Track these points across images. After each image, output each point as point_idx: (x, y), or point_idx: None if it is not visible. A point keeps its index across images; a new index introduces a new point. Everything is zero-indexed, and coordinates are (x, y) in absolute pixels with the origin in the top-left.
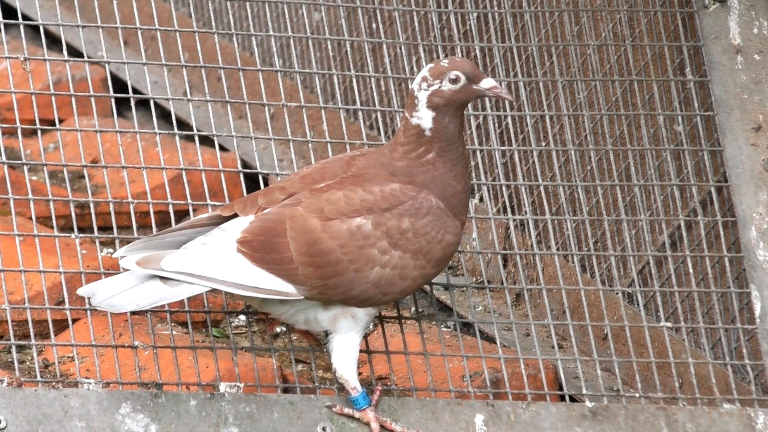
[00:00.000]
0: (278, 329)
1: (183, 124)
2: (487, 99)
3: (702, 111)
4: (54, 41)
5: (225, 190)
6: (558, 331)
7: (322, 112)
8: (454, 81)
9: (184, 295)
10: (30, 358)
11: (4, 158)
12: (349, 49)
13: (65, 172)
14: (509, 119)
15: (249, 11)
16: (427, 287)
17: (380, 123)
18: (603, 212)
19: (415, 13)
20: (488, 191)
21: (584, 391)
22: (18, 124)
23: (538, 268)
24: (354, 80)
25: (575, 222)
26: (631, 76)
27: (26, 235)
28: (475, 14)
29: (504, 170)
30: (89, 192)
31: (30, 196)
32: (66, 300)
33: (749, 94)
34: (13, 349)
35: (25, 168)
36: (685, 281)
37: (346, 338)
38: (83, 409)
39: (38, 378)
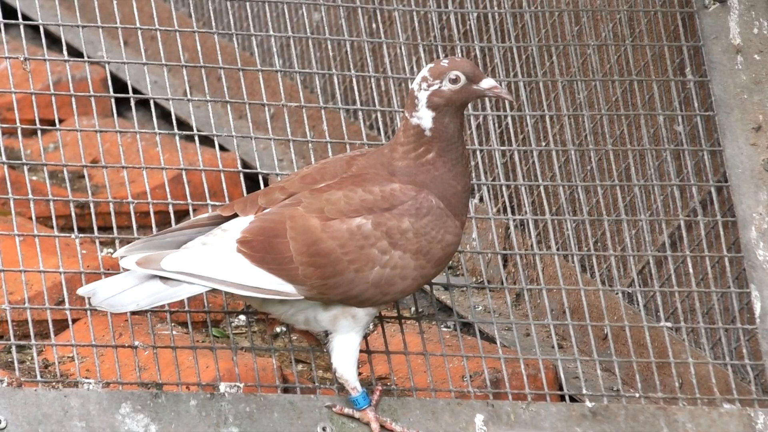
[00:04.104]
0: (278, 329)
1: (183, 124)
2: (487, 99)
3: (702, 111)
4: (54, 41)
5: (225, 190)
6: (558, 331)
7: (322, 112)
8: (454, 81)
9: (184, 295)
10: (30, 358)
11: (4, 158)
12: (349, 49)
13: (65, 172)
14: (509, 119)
15: (249, 11)
16: (427, 287)
17: (380, 123)
18: (603, 212)
19: (415, 13)
20: (488, 191)
21: (584, 391)
22: (18, 124)
23: (538, 268)
24: (354, 80)
25: (575, 222)
26: (631, 76)
27: (26, 235)
28: (475, 14)
29: (504, 170)
30: (89, 192)
31: (30, 196)
32: (66, 300)
33: (749, 94)
34: (13, 349)
35: (25, 168)
36: (685, 281)
37: (346, 338)
38: (83, 409)
39: (38, 378)
